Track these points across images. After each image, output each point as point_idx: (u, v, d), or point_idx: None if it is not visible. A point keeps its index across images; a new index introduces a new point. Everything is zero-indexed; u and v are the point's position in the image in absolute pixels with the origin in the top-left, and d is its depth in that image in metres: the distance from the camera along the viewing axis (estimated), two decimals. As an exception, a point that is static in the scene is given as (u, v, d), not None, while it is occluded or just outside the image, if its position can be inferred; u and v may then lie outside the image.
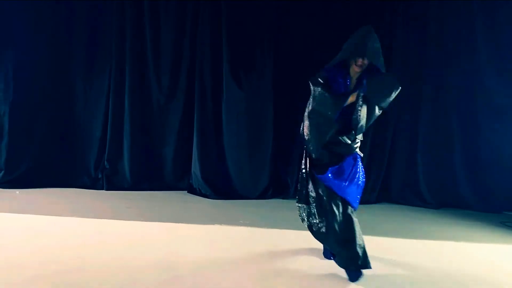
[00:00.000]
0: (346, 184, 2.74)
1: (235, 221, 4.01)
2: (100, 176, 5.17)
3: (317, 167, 2.81)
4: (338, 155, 2.78)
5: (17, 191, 4.69)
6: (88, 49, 5.15)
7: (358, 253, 2.68)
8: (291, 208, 4.28)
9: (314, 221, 2.84)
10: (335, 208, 2.74)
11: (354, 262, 2.68)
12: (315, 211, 2.82)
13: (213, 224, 3.88)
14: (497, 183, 5.24)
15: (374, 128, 5.27)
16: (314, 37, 5.13)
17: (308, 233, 2.95)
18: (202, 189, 5.12)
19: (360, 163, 2.86)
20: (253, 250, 3.21)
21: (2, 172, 4.90)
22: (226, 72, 5.11)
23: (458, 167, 5.33)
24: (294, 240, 3.45)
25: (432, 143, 5.29)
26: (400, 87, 2.69)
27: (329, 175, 2.74)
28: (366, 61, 2.69)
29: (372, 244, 3.57)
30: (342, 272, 2.79)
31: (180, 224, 3.81)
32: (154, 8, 5.16)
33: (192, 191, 5.20)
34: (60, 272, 2.58)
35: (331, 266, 2.92)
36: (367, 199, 5.30)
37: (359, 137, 2.82)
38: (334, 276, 2.78)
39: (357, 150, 2.84)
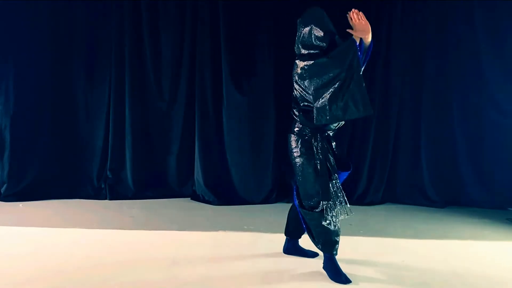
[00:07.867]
0: None
1: (239, 227, 3.99)
2: (103, 185, 5.14)
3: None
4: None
5: (20, 204, 4.68)
6: (88, 59, 5.13)
7: None
8: (296, 212, 4.27)
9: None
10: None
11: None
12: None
13: (217, 230, 3.86)
14: (502, 179, 5.20)
15: (376, 128, 5.25)
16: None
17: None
18: (205, 196, 5.09)
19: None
20: (258, 256, 3.19)
21: (5, 185, 4.88)
22: (226, 77, 5.08)
23: (462, 164, 5.30)
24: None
25: (435, 141, 5.26)
26: None
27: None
28: None
29: (380, 245, 3.57)
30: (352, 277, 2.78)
31: (184, 232, 3.80)
32: (152, 15, 5.15)
33: (196, 197, 5.17)
34: (65, 284, 2.57)
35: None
36: (372, 200, 5.28)
37: None
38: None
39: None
